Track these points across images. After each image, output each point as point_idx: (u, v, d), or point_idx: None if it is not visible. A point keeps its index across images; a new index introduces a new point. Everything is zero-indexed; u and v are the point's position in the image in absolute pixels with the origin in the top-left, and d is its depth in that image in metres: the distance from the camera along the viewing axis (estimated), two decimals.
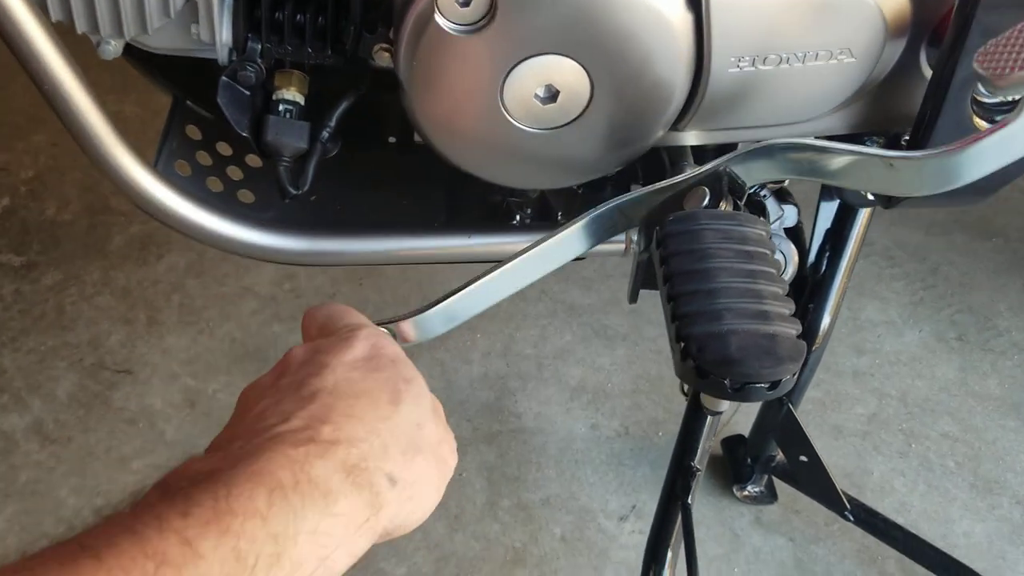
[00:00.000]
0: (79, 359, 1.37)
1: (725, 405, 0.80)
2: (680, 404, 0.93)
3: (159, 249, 1.52)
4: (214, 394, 1.34)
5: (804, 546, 1.22)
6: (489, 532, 1.22)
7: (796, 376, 0.64)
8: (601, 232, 0.72)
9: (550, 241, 0.70)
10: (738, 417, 1.34)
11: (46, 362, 1.37)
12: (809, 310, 1.12)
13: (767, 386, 0.63)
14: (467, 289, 0.69)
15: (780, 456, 1.24)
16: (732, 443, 1.30)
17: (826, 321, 1.12)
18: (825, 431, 1.35)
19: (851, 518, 1.19)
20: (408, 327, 0.66)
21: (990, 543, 1.24)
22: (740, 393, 0.63)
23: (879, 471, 1.30)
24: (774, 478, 1.27)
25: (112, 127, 0.80)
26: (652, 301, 1.41)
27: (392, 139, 1.05)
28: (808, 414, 1.35)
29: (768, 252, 0.70)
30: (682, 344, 0.64)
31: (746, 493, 1.27)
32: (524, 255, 0.69)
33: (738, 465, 1.27)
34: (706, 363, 0.63)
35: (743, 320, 0.64)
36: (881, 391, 1.40)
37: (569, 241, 0.71)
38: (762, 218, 0.75)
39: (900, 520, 1.20)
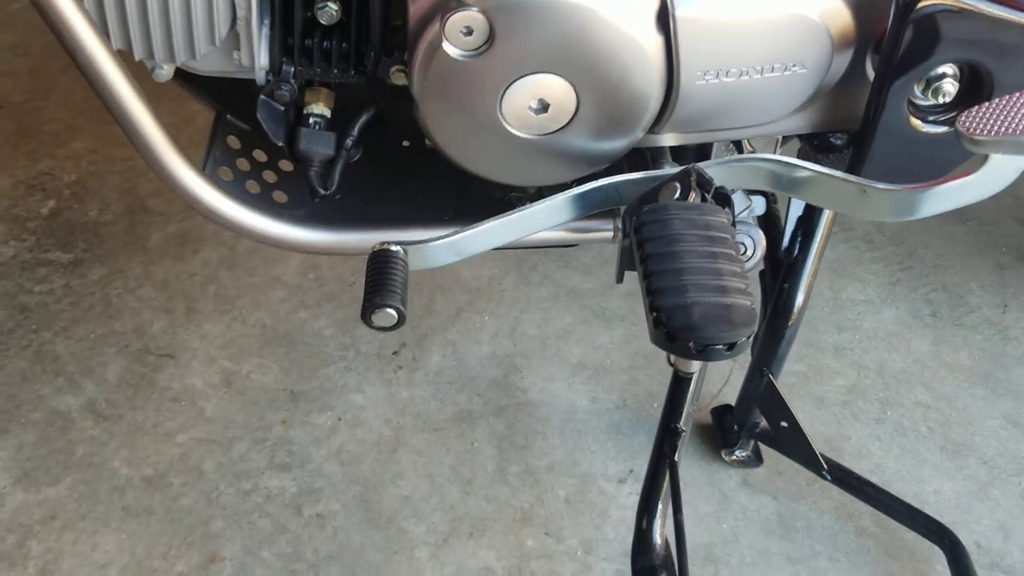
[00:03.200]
0: (126, 345, 1.51)
1: (695, 366, 0.92)
2: None
3: (194, 245, 1.65)
4: (248, 374, 1.48)
5: (787, 504, 1.35)
6: (499, 495, 1.35)
7: (750, 339, 0.76)
8: (583, 206, 0.85)
9: (544, 203, 0.83)
10: (726, 390, 1.47)
11: (96, 348, 1.51)
12: (784, 289, 1.24)
13: (725, 347, 0.75)
14: (472, 229, 0.82)
15: (764, 423, 1.36)
16: (720, 412, 1.42)
17: (799, 299, 1.24)
18: (808, 402, 1.47)
19: (828, 477, 1.31)
20: (416, 252, 0.80)
21: (958, 499, 1.36)
22: (703, 354, 0.76)
23: (857, 436, 1.43)
24: (759, 443, 1.39)
25: (169, 139, 0.93)
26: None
27: (406, 143, 1.18)
28: (792, 387, 1.48)
29: (728, 237, 0.82)
30: (654, 314, 0.77)
31: (734, 457, 1.39)
32: (522, 210, 0.82)
33: (726, 432, 1.40)
34: (674, 329, 0.76)
35: (704, 293, 0.77)
36: (860, 364, 1.52)
37: (556, 208, 0.84)
38: (726, 208, 0.88)
39: (875, 480, 1.32)
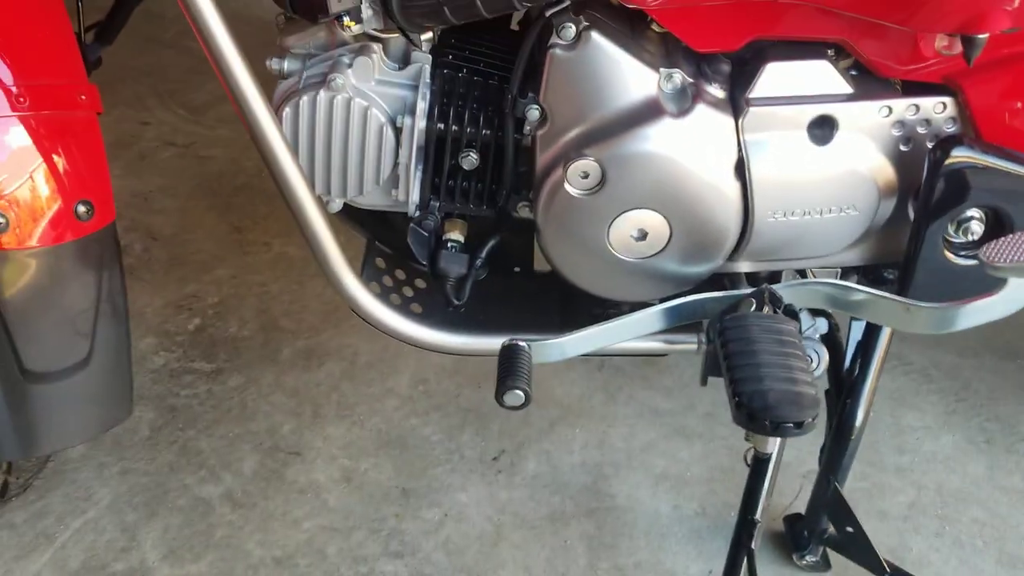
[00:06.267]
0: (259, 443, 1.72)
1: (771, 446, 1.08)
2: None
3: (320, 359, 1.88)
4: (365, 472, 1.67)
5: None
6: None
7: (815, 420, 0.94)
8: (674, 318, 1.05)
9: (640, 313, 1.03)
10: (797, 503, 1.61)
11: (234, 445, 1.72)
12: (847, 405, 1.40)
13: (794, 425, 0.93)
14: (585, 331, 1.02)
15: (831, 530, 1.50)
16: (792, 520, 1.56)
17: (861, 414, 1.40)
18: (871, 516, 1.60)
19: None
20: (538, 347, 1.00)
21: None
22: (777, 431, 0.94)
23: (917, 548, 1.55)
24: (827, 549, 1.53)
25: (342, 254, 1.15)
26: (723, 406, 1.74)
27: (516, 269, 1.41)
28: (856, 501, 1.60)
29: (796, 341, 1.02)
30: (736, 399, 0.96)
31: (804, 562, 1.52)
32: (623, 318, 1.02)
33: (797, 538, 1.53)
34: (753, 410, 0.94)
35: (778, 382, 0.95)
36: (919, 483, 1.65)
37: (653, 318, 1.04)
38: (794, 320, 1.07)
39: None
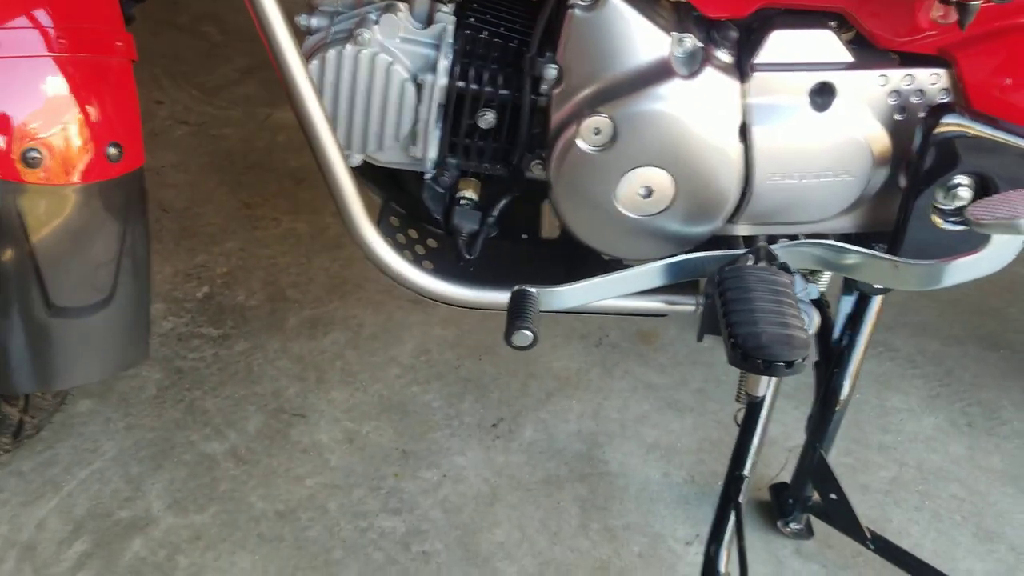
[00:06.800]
0: (264, 405, 1.77)
1: (762, 388, 1.14)
2: None
3: (325, 328, 1.93)
4: (367, 434, 1.72)
5: (834, 571, 1.52)
6: (581, 546, 1.54)
7: (804, 361, 1.00)
8: (675, 273, 1.11)
9: (643, 267, 1.09)
10: (783, 475, 1.67)
11: (239, 406, 1.77)
12: (834, 375, 1.46)
13: (784, 364, 0.99)
14: (589, 281, 1.08)
15: (816, 499, 1.55)
16: (778, 488, 1.62)
17: (847, 385, 1.46)
18: (854, 489, 1.66)
19: (872, 547, 1.49)
20: (545, 294, 1.05)
21: None
22: (768, 369, 1.00)
23: (897, 520, 1.61)
24: (811, 517, 1.58)
25: (361, 202, 1.20)
26: (714, 383, 1.81)
27: (524, 236, 1.46)
28: (840, 475, 1.64)
29: (790, 291, 1.07)
30: (731, 340, 1.02)
31: (788, 529, 1.58)
32: (626, 271, 1.08)
33: (782, 506, 1.59)
34: (747, 349, 1.00)
35: (771, 325, 1.01)
36: (901, 461, 1.71)
37: (655, 272, 1.10)
38: (788, 274, 1.13)
39: None
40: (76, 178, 1.18)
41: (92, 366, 1.29)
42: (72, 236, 1.21)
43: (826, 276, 1.56)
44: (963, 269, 1.05)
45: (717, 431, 1.74)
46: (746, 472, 1.32)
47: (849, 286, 1.43)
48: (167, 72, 2.69)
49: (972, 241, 1.11)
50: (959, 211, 1.15)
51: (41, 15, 1.14)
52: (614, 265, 1.35)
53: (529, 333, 1.07)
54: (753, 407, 1.24)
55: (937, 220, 1.14)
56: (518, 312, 1.09)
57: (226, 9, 3.04)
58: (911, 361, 1.92)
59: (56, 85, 1.16)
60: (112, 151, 1.20)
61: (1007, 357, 1.93)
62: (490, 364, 1.87)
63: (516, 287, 1.12)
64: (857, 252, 1.12)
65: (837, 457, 1.61)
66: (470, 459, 1.68)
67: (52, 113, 1.16)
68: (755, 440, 1.29)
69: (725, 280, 1.07)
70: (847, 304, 1.44)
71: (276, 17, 1.07)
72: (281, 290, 2.03)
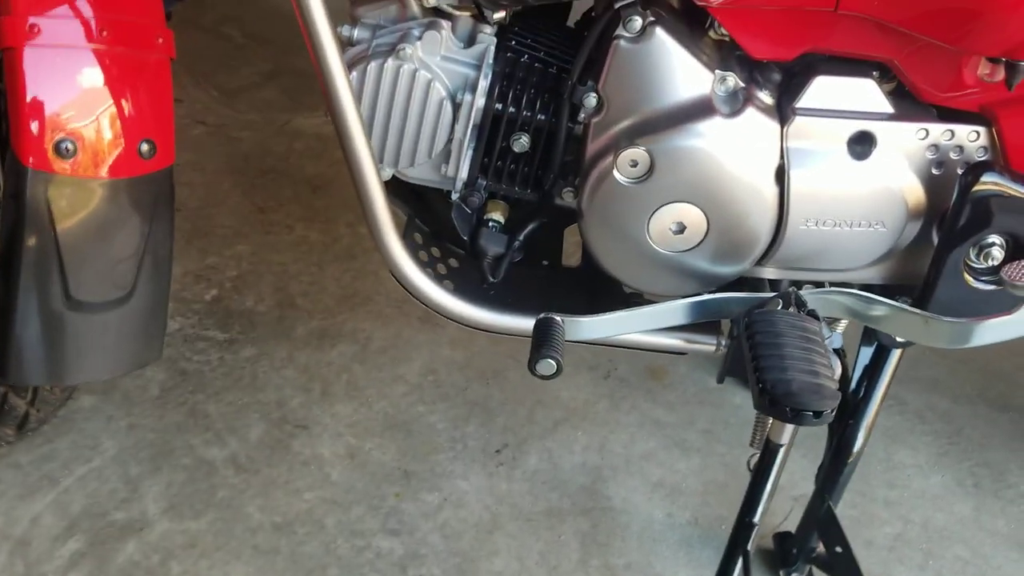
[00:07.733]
0: (267, 413, 1.75)
1: (786, 436, 1.13)
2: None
3: (333, 340, 1.92)
4: (369, 451, 1.70)
5: None
6: None
7: (832, 412, 0.99)
8: (699, 313, 1.09)
9: (668, 304, 1.08)
10: (787, 523, 1.65)
11: (242, 413, 1.75)
12: (848, 426, 1.45)
13: (813, 414, 0.98)
14: (615, 314, 1.07)
15: (820, 550, 1.53)
16: (782, 537, 1.60)
17: (861, 437, 1.44)
18: (858, 543, 1.63)
19: None
20: (571, 323, 1.04)
21: None
22: (796, 418, 0.98)
23: None
24: (814, 568, 1.56)
25: (390, 214, 1.19)
26: (722, 425, 1.79)
27: (544, 263, 1.45)
28: (844, 528, 1.65)
29: (819, 339, 1.06)
30: (760, 385, 1.00)
31: None
32: (651, 306, 1.07)
33: (786, 555, 1.57)
34: (775, 396, 0.99)
35: (800, 373, 1.00)
36: (907, 518, 1.69)
37: (679, 310, 1.09)
38: (817, 322, 1.12)
39: None
40: (106, 172, 1.17)
41: (105, 363, 1.27)
42: (97, 230, 1.20)
43: (843, 324, 1.55)
44: (994, 330, 1.04)
45: (723, 474, 1.73)
46: (756, 519, 1.30)
47: (868, 337, 1.42)
48: (188, 71, 2.69)
49: (999, 302, 1.10)
50: (991, 270, 1.14)
51: (83, 5, 1.14)
52: (635, 298, 1.35)
53: (553, 362, 1.06)
54: (768, 453, 1.23)
55: (968, 278, 1.13)
56: (544, 340, 1.07)
57: (250, 13, 3.05)
58: (920, 417, 1.91)
59: (93, 77, 1.15)
60: (145, 147, 1.19)
61: (1015, 420, 1.92)
62: (497, 389, 1.85)
63: (542, 315, 1.10)
64: (888, 304, 1.11)
65: (842, 509, 1.58)
66: (472, 484, 1.66)
67: (87, 105, 1.15)
68: (767, 487, 1.27)
69: (754, 323, 1.06)
70: (865, 355, 1.43)
71: (323, 24, 1.06)
72: (291, 298, 2.01)
